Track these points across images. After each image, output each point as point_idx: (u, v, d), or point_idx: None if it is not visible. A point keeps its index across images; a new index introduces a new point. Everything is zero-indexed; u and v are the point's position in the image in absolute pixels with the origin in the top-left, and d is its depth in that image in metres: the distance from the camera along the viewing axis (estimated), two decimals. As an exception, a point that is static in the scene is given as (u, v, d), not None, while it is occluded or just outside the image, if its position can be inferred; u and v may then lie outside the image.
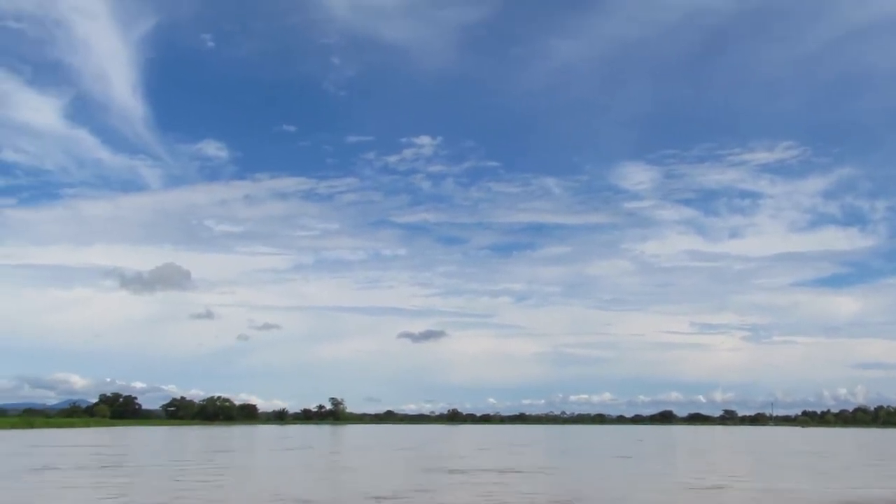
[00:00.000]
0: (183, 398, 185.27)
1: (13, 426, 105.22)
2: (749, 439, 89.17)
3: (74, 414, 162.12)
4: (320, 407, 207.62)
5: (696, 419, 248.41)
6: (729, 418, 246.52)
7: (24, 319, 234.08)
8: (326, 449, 55.75)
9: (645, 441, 74.29)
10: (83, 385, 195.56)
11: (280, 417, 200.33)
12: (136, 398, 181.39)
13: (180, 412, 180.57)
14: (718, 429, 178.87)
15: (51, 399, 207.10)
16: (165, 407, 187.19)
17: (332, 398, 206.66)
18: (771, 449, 60.47)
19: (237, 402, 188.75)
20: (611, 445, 63.45)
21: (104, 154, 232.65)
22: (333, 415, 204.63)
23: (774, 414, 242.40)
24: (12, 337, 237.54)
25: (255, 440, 71.21)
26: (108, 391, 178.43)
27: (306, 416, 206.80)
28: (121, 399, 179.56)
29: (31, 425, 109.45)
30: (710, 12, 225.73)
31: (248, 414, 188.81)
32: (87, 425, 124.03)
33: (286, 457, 43.78)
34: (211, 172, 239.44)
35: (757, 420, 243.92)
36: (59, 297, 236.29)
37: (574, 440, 78.68)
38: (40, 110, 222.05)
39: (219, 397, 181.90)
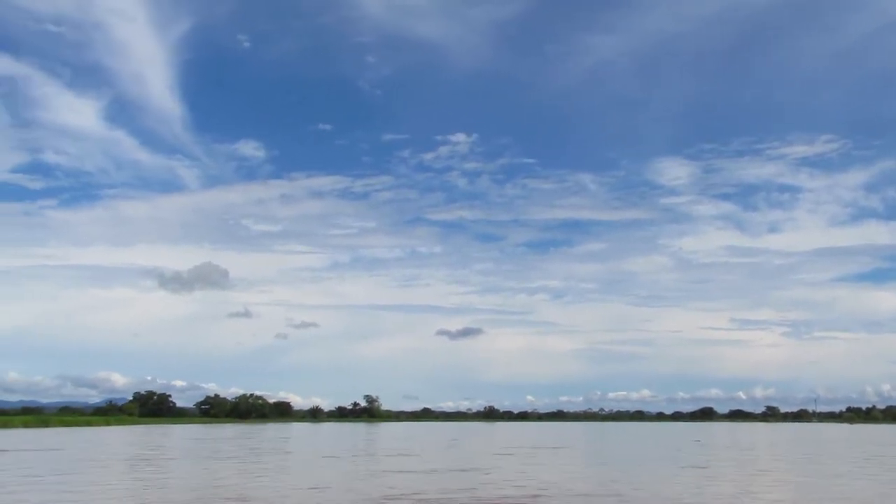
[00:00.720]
0: (217, 396, 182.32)
1: (26, 425, 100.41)
2: (817, 438, 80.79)
3: (109, 412, 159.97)
4: (355, 404, 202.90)
5: (737, 416, 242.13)
6: (771, 415, 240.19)
7: (65, 319, 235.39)
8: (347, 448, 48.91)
9: (704, 442, 65.94)
10: (124, 383, 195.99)
11: (314, 415, 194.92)
12: (170, 396, 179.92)
13: (213, 410, 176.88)
14: (761, 426, 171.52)
15: (93, 398, 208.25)
16: (199, 405, 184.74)
17: (367, 395, 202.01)
18: (868, 450, 52.15)
19: (273, 400, 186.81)
20: (666, 447, 55.49)
21: (143, 155, 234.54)
22: (368, 412, 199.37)
23: (818, 410, 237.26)
24: (55, 337, 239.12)
25: (275, 440, 64.67)
26: (148, 389, 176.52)
27: (341, 414, 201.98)
28: (155, 397, 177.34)
29: (45, 423, 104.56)
30: (748, 5, 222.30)
31: (281, 412, 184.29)
32: (108, 423, 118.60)
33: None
34: (248, 172, 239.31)
35: (800, 417, 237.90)
36: (100, 297, 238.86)
37: (619, 440, 70.89)
38: (80, 112, 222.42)
39: (251, 395, 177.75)
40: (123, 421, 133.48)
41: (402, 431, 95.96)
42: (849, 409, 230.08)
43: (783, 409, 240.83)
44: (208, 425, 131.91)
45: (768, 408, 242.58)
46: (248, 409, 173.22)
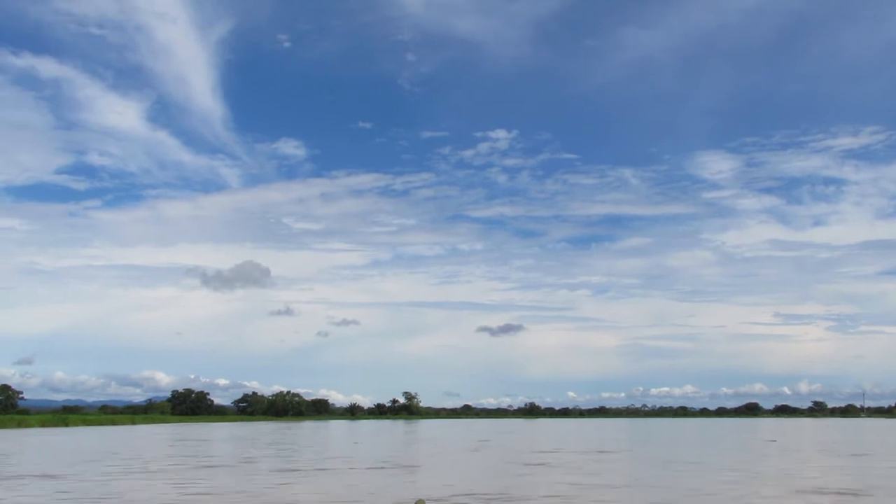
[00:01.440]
0: (255, 394, 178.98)
1: (44, 424, 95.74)
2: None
3: (145, 411, 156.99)
4: (394, 402, 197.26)
5: (783, 411, 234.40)
6: (818, 410, 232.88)
7: (110, 319, 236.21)
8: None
9: (781, 442, 57.29)
10: (168, 382, 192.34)
11: (352, 412, 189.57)
12: (208, 394, 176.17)
13: (251, 408, 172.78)
14: (808, 421, 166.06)
15: (137, 396, 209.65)
16: (237, 403, 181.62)
17: (406, 392, 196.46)
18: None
19: (310, 398, 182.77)
20: (742, 449, 47.62)
21: (185, 155, 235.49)
22: (407, 409, 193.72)
23: (866, 405, 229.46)
24: (100, 336, 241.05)
25: (296, 442, 58.55)
26: (188, 387, 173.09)
27: (380, 411, 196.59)
28: (193, 395, 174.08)
29: (65, 423, 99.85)
30: None
31: (319, 409, 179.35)
32: (133, 422, 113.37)
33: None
34: (288, 171, 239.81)
35: (848, 412, 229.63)
36: (144, 297, 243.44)
37: (676, 441, 62.45)
38: (123, 114, 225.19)
39: (288, 392, 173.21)
40: (153, 419, 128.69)
41: (431, 431, 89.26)
42: None
43: (829, 405, 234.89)
44: (241, 423, 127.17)
45: (815, 403, 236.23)
46: (285, 407, 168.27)
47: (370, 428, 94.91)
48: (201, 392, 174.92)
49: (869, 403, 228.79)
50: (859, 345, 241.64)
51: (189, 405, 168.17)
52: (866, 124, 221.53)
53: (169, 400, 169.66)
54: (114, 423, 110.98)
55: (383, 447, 47.28)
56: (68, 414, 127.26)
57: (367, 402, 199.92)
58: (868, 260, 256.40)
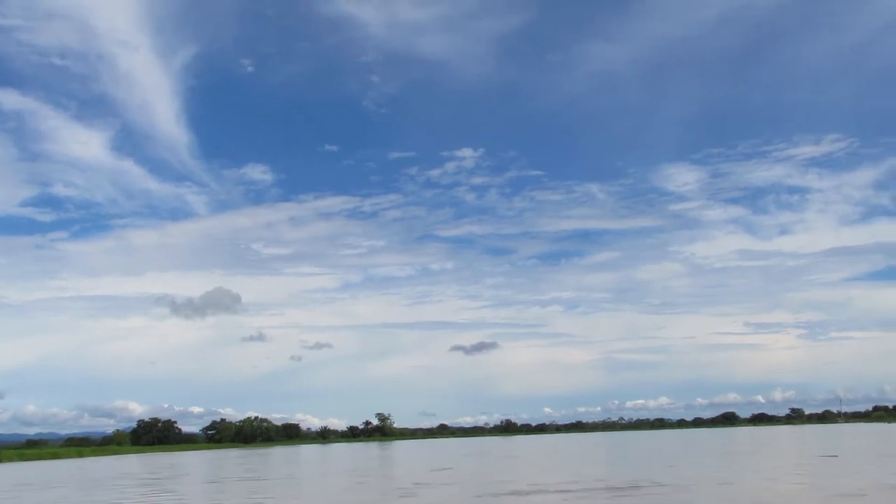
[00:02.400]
0: (223, 420, 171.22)
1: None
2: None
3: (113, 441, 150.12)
4: (367, 423, 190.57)
5: (761, 420, 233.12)
6: (796, 417, 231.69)
7: (81, 350, 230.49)
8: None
9: (840, 455, 47.64)
10: (141, 412, 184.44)
11: (323, 436, 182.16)
12: (175, 422, 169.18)
13: (219, 435, 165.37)
14: (786, 428, 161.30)
15: (110, 427, 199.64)
16: (205, 430, 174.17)
17: (379, 413, 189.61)
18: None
19: (283, 423, 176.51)
20: (754, 467, 41.43)
21: (151, 184, 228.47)
22: (381, 431, 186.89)
23: (843, 411, 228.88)
24: (71, 368, 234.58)
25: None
26: (165, 416, 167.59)
27: (353, 434, 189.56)
28: (159, 424, 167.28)
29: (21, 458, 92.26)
30: (751, 7, 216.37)
31: (289, 434, 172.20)
32: (80, 455, 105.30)
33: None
34: (256, 196, 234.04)
35: (825, 418, 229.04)
36: (114, 327, 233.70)
37: (671, 455, 53.92)
38: (87, 144, 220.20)
39: (256, 418, 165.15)
40: (106, 451, 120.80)
41: (393, 454, 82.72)
42: (875, 409, 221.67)
43: (805, 411, 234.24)
44: (198, 452, 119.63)
45: (793, 410, 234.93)
46: (253, 433, 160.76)
47: (326, 453, 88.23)
48: (168, 421, 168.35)
49: (845, 408, 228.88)
50: (830, 351, 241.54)
51: (156, 434, 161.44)
52: (828, 132, 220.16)
53: (134, 430, 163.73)
54: (56, 456, 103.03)
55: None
56: (29, 448, 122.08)
57: (342, 424, 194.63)
58: (834, 267, 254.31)
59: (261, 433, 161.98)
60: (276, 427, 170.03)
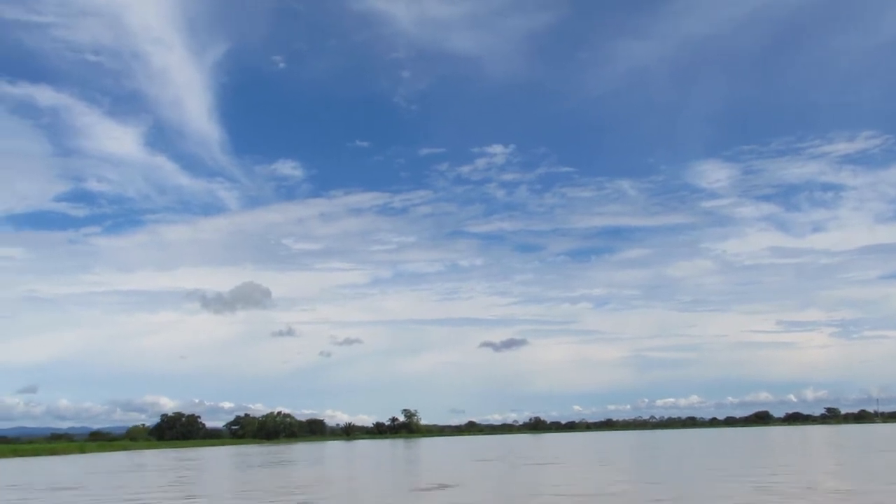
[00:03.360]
0: (247, 415, 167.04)
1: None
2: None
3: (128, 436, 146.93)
4: (393, 420, 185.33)
5: (795, 419, 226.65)
6: (832, 417, 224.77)
7: (114, 345, 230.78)
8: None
9: None
10: (172, 406, 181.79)
11: (347, 433, 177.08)
12: (199, 417, 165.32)
13: (241, 430, 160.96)
14: (825, 428, 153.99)
15: (142, 421, 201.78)
16: (229, 425, 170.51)
17: (405, 410, 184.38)
18: None
19: (310, 418, 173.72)
20: None
21: (183, 179, 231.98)
22: (407, 427, 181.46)
23: (880, 410, 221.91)
24: (103, 363, 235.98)
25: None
26: (197, 412, 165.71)
27: (379, 431, 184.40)
28: (183, 419, 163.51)
29: (15, 453, 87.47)
30: (781, 5, 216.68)
31: (314, 429, 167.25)
32: (83, 451, 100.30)
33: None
34: (287, 192, 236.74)
35: (862, 417, 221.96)
36: (146, 322, 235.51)
37: (769, 459, 45.87)
38: (120, 140, 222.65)
39: (279, 413, 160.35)
40: (115, 447, 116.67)
41: (411, 454, 76.50)
42: None
43: (841, 411, 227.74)
44: (215, 448, 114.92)
45: (828, 409, 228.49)
46: (276, 428, 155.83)
47: (342, 451, 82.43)
48: (192, 415, 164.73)
49: (882, 408, 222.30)
50: (864, 350, 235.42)
51: (179, 429, 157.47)
52: (862, 129, 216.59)
53: (158, 425, 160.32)
54: (83, 451, 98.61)
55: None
56: (54, 442, 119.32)
57: (370, 421, 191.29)
58: (868, 265, 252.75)
59: (284, 429, 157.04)
60: (300, 423, 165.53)
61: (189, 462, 59.12)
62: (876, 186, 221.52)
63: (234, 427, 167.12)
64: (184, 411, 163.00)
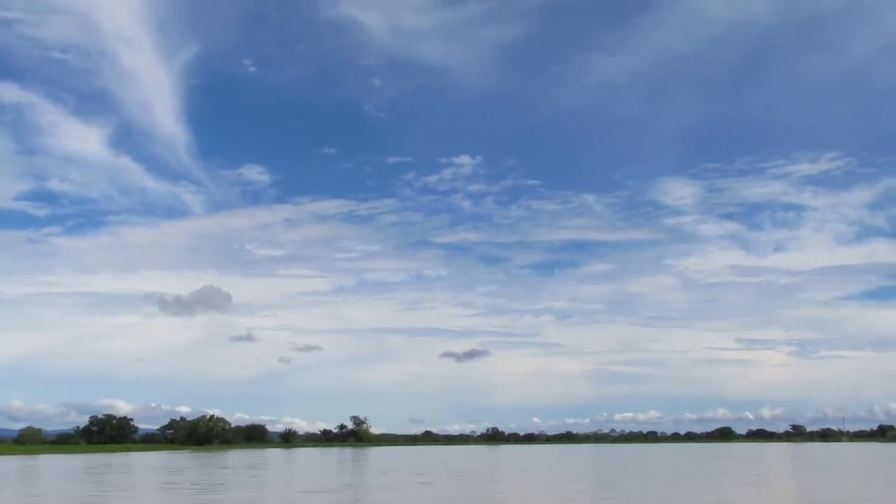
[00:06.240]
0: (182, 419, 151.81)
1: None
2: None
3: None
4: (341, 427, 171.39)
5: (759, 436, 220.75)
6: (796, 434, 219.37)
7: (70, 347, 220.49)
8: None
9: None
10: (128, 410, 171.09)
11: (286, 440, 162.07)
12: (131, 420, 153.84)
13: (174, 434, 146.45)
14: (785, 446, 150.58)
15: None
16: (163, 429, 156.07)
17: (354, 417, 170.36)
18: None
19: (245, 424, 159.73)
20: None
21: (148, 181, 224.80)
22: (356, 435, 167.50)
23: (846, 430, 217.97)
24: (59, 364, 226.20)
25: None
26: (154, 415, 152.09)
27: (326, 438, 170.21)
28: (114, 421, 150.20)
29: None
30: (753, 24, 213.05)
31: (252, 436, 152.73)
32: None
33: None
34: (252, 196, 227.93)
35: (828, 436, 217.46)
36: (105, 324, 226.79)
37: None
38: (85, 139, 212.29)
39: (212, 416, 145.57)
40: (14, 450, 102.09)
41: (314, 468, 62.62)
42: (880, 428, 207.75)
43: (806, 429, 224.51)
44: (122, 454, 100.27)
45: (793, 427, 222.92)
46: (208, 434, 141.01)
47: (251, 462, 68.36)
48: (124, 418, 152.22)
49: (832, 427, 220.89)
50: (820, 370, 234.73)
51: (109, 433, 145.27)
52: (826, 150, 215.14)
53: (86, 427, 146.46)
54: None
55: None
56: None
57: (328, 428, 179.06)
58: (827, 286, 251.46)
59: (217, 434, 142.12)
60: (236, 428, 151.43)
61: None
62: (837, 208, 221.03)
63: (168, 431, 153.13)
64: (140, 416, 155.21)
